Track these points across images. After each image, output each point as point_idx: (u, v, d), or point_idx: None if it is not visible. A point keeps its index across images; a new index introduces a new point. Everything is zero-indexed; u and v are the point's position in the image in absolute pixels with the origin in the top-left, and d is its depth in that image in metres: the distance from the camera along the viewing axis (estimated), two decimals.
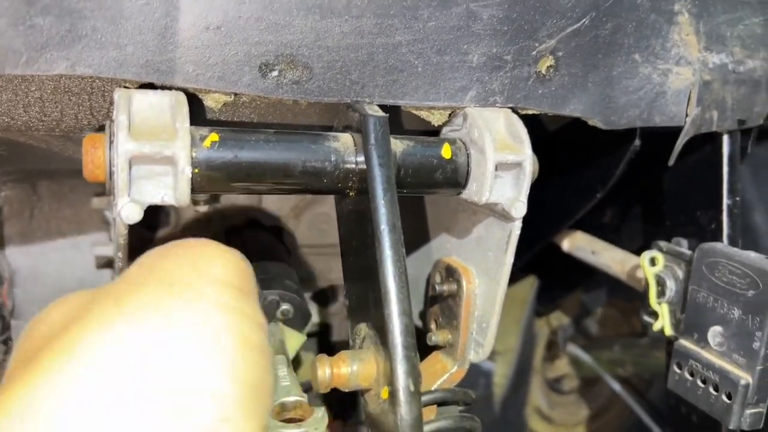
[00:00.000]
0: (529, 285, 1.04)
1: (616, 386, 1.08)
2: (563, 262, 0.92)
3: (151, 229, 0.78)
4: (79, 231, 0.82)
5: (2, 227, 0.80)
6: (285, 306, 0.63)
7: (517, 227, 0.56)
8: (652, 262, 0.71)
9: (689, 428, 0.73)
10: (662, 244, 0.72)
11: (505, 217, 0.56)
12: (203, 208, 0.66)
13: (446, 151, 0.54)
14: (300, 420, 0.49)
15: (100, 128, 0.53)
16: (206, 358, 0.30)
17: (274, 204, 0.82)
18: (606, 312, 1.15)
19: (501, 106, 0.57)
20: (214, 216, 0.80)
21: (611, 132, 0.64)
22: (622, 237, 0.88)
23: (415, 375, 0.45)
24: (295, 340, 0.63)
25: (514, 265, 0.57)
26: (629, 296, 1.14)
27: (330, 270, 0.87)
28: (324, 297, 0.96)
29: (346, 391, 0.49)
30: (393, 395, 0.45)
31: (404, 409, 0.44)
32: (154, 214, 0.79)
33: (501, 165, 0.54)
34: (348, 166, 0.51)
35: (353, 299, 0.53)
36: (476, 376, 1.05)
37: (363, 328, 0.51)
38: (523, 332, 1.03)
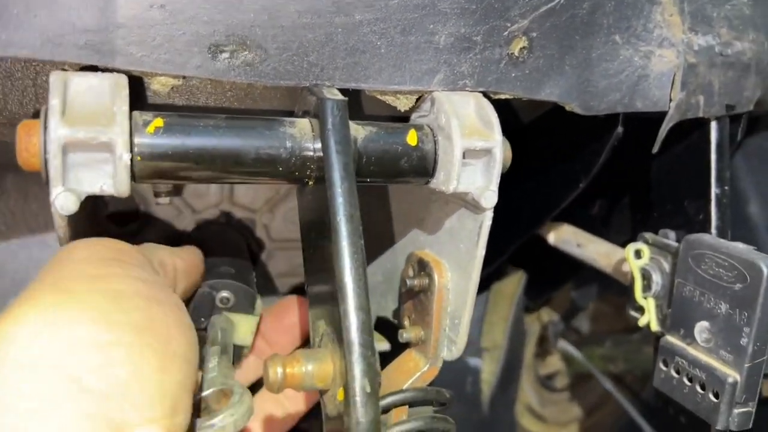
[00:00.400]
0: (517, 280, 1.01)
1: (608, 384, 1.04)
2: (551, 256, 0.89)
3: (120, 225, 0.76)
4: (47, 227, 0.79)
5: None
6: (223, 294, 0.60)
7: (488, 217, 0.53)
8: (638, 254, 0.68)
9: (677, 429, 0.70)
10: (648, 235, 0.69)
11: (475, 207, 0.53)
12: (165, 201, 0.63)
13: (412, 138, 0.51)
14: None
15: (34, 114, 0.50)
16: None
17: (247, 197, 0.79)
18: (597, 307, 1.12)
19: (471, 90, 0.54)
20: (183, 209, 0.77)
21: (593, 118, 0.60)
22: (611, 229, 0.85)
23: (372, 374, 0.42)
24: (246, 323, 0.61)
25: (502, 259, 0.54)
26: (620, 290, 1.11)
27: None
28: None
29: (300, 392, 0.46)
30: (348, 397, 0.42)
31: (360, 412, 0.42)
32: (125, 210, 0.76)
33: (469, 152, 0.51)
34: (306, 153, 0.48)
35: (313, 295, 0.50)
36: (463, 373, 1.02)
37: (321, 325, 0.48)
38: (510, 328, 1.00)
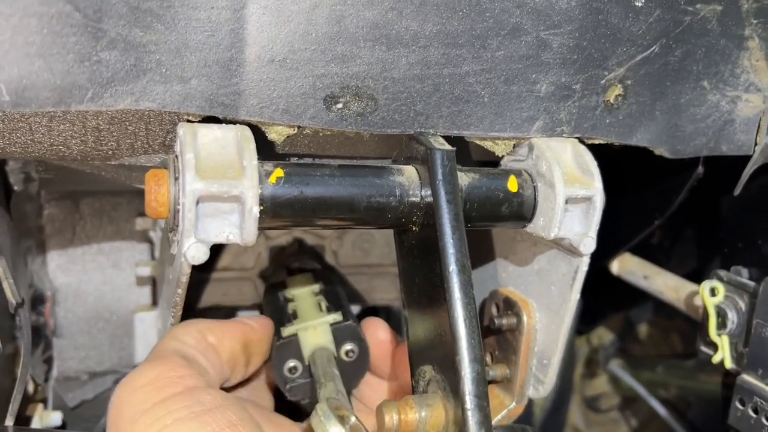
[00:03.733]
0: None
1: (658, 406, 1.05)
2: (609, 284, 0.90)
3: None
4: (121, 250, 0.81)
5: (44, 245, 0.79)
6: (347, 347, 0.60)
7: (585, 263, 0.54)
8: (713, 292, 0.69)
9: None
10: (722, 273, 0.70)
11: (571, 252, 0.54)
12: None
13: (512, 184, 0.52)
14: None
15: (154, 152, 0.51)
16: None
17: None
18: (647, 331, 1.13)
19: (568, 136, 0.55)
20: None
21: (675, 159, 0.61)
22: (672, 260, 0.86)
23: (488, 425, 0.44)
24: None
25: None
26: (670, 315, 1.11)
27: (372, 290, 0.85)
28: (370, 314, 0.95)
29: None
30: None
31: None
32: None
33: (570, 199, 0.52)
34: (413, 200, 0.49)
35: (417, 339, 0.51)
36: None
37: (428, 371, 0.49)
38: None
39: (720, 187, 0.72)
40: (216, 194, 0.42)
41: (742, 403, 0.65)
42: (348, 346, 0.59)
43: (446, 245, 0.46)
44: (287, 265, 0.77)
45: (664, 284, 0.78)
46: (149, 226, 0.77)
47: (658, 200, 0.71)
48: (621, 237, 0.76)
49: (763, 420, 0.63)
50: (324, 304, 0.64)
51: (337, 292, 0.68)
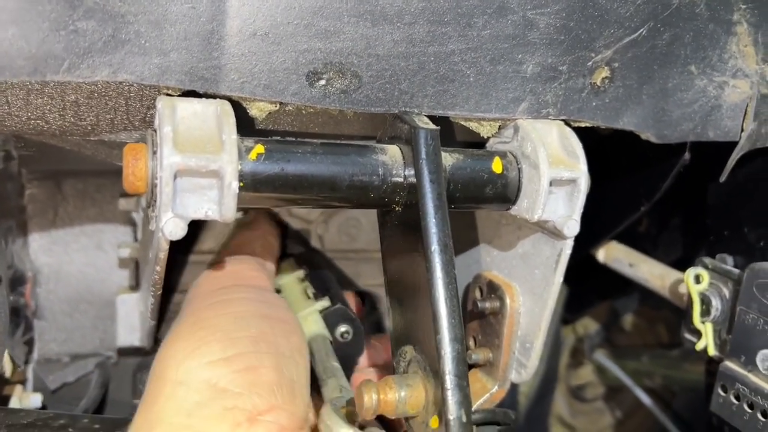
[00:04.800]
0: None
1: (643, 396, 1.05)
2: (595, 272, 0.90)
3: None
4: (104, 231, 0.80)
5: (26, 226, 0.78)
6: (342, 328, 0.61)
7: (568, 246, 0.54)
8: (697, 279, 0.69)
9: None
10: (708, 261, 0.69)
11: (555, 234, 0.54)
12: (237, 214, 0.64)
13: (497, 165, 0.52)
14: None
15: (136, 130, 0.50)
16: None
17: (303, 209, 0.80)
18: (632, 320, 1.13)
19: (553, 119, 0.55)
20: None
21: (661, 144, 0.61)
22: (658, 248, 0.86)
23: (467, 405, 0.43)
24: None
25: None
26: (656, 305, 1.12)
27: (359, 275, 0.85)
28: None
29: (392, 418, 0.47)
30: (444, 426, 0.43)
31: None
32: None
33: (555, 181, 0.51)
34: (396, 179, 0.49)
35: (397, 319, 0.51)
36: None
37: (409, 351, 0.48)
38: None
39: (706, 174, 0.72)
40: (194, 168, 0.42)
41: (725, 390, 0.65)
42: (342, 328, 0.61)
43: (429, 224, 0.46)
44: None
45: (650, 272, 0.78)
46: (132, 207, 0.76)
47: (645, 186, 0.70)
48: (607, 223, 0.75)
49: (745, 406, 0.63)
50: (311, 291, 0.64)
51: (322, 274, 0.68)
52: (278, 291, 0.67)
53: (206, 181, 0.43)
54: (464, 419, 0.43)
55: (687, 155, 0.66)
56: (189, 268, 0.77)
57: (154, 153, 0.43)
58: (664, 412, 1.01)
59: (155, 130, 0.44)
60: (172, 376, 0.44)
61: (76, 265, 0.80)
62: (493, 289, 0.60)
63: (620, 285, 0.96)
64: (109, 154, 0.59)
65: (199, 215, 0.44)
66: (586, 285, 1.01)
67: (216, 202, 0.44)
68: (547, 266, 0.55)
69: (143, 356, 0.84)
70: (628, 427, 1.19)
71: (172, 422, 0.42)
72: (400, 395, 0.45)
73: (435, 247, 0.45)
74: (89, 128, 0.51)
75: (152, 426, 0.43)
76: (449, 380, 0.43)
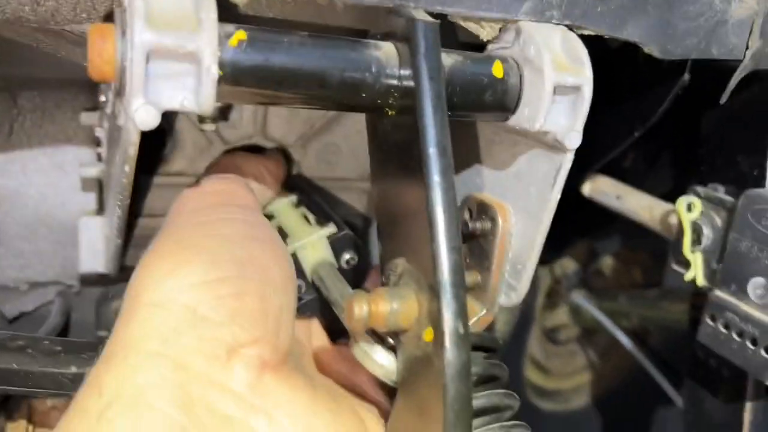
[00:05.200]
0: None
1: (622, 336, 1.05)
2: (575, 209, 0.87)
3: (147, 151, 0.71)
4: (65, 150, 0.75)
5: None
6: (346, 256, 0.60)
7: (568, 160, 0.51)
8: (689, 208, 0.67)
9: (717, 382, 0.70)
10: (700, 189, 0.68)
11: (555, 148, 0.51)
12: (210, 127, 0.59)
13: (497, 69, 0.48)
14: None
15: (104, 18, 0.45)
16: None
17: (280, 130, 0.76)
18: (610, 263, 1.12)
19: (557, 23, 0.51)
20: (214, 140, 0.73)
21: (658, 63, 0.58)
22: (644, 182, 0.84)
23: (464, 316, 0.40)
24: None
25: None
26: (635, 245, 1.11)
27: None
28: None
29: (383, 332, 0.44)
30: (439, 338, 0.40)
31: (452, 353, 0.40)
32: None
33: (559, 88, 0.48)
34: (390, 80, 0.45)
35: (387, 231, 0.47)
36: None
37: (401, 264, 0.45)
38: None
39: (698, 101, 0.69)
40: (169, 48, 0.37)
41: (713, 319, 0.64)
42: (347, 255, 0.59)
43: (426, 126, 0.42)
44: None
45: (638, 204, 0.76)
46: (95, 122, 0.70)
47: (640, 111, 0.68)
48: (597, 152, 0.73)
49: (734, 335, 0.62)
50: (311, 217, 0.61)
51: (317, 200, 0.65)
52: (270, 217, 0.63)
53: (182, 67, 0.39)
54: (461, 330, 0.40)
55: (687, 76, 0.63)
56: (156, 190, 0.73)
57: (124, 33, 0.38)
58: (641, 352, 1.01)
59: (124, 8, 0.39)
60: (149, 297, 0.41)
61: (34, 186, 0.75)
62: (483, 210, 0.57)
63: (601, 223, 0.94)
64: (71, 51, 0.53)
65: (173, 104, 0.39)
66: (566, 223, 0.99)
67: (193, 91, 0.39)
68: (545, 183, 0.52)
69: (107, 285, 0.80)
70: (603, 368, 1.19)
71: (147, 349, 0.39)
72: (392, 307, 0.42)
73: (433, 150, 0.42)
74: (49, 15, 0.46)
75: (126, 351, 0.39)
76: (446, 290, 0.40)
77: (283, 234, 0.61)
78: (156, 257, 0.43)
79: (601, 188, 0.81)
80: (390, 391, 0.52)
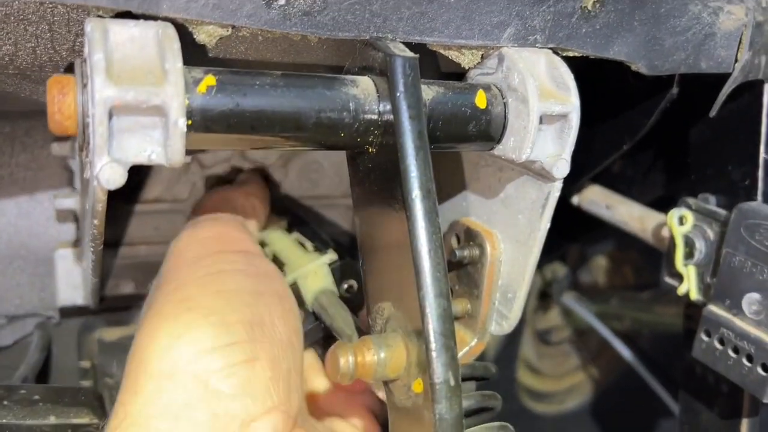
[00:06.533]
0: None
1: (613, 338, 1.04)
2: (566, 214, 0.86)
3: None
4: (37, 179, 0.72)
5: None
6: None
7: (556, 188, 0.49)
8: (681, 221, 0.66)
9: (713, 396, 0.69)
10: (691, 201, 0.66)
11: (542, 176, 0.49)
12: (186, 159, 0.57)
13: (481, 100, 0.46)
14: None
15: (66, 68, 0.43)
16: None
17: (259, 152, 0.73)
18: (600, 263, 1.11)
19: (541, 47, 0.49)
20: (192, 164, 0.71)
21: (646, 77, 0.56)
22: (633, 189, 0.82)
23: (455, 367, 0.39)
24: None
25: None
26: (625, 247, 1.10)
27: (322, 224, 0.79)
28: None
29: (371, 382, 0.42)
30: (430, 390, 0.38)
31: (444, 407, 0.38)
32: None
33: (545, 117, 0.46)
34: (369, 117, 0.43)
35: (372, 274, 0.46)
36: None
37: (387, 308, 0.44)
38: None
39: (688, 111, 0.67)
40: (132, 104, 0.35)
41: (708, 335, 0.63)
42: (348, 283, 0.58)
43: (408, 167, 0.40)
44: None
45: (628, 214, 0.75)
46: (67, 153, 0.68)
47: (628, 123, 0.66)
48: (586, 164, 0.71)
49: (730, 351, 0.61)
50: (308, 244, 0.59)
51: (310, 224, 0.63)
52: (263, 245, 0.61)
53: (148, 120, 0.37)
54: (452, 382, 0.38)
55: (675, 89, 0.62)
56: (134, 218, 0.71)
57: (84, 86, 0.36)
58: (632, 353, 1.00)
59: (84, 60, 0.37)
60: (156, 367, 0.39)
61: (7, 217, 0.72)
62: (471, 237, 0.55)
63: (591, 228, 0.92)
64: (34, 90, 0.51)
65: (140, 159, 0.37)
66: (556, 228, 0.97)
67: (161, 144, 0.37)
68: (533, 211, 0.51)
69: (87, 315, 0.77)
70: (594, 369, 1.19)
71: (158, 428, 0.37)
72: (380, 357, 0.41)
73: (417, 193, 0.40)
74: (6, 59, 0.44)
75: (134, 427, 0.37)
76: (434, 340, 0.39)
77: (278, 262, 0.59)
78: (161, 320, 0.41)
79: (589, 197, 0.79)
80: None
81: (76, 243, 0.72)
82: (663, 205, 0.77)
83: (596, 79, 0.62)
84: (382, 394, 0.45)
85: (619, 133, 0.67)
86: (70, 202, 0.69)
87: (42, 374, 0.73)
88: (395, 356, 0.41)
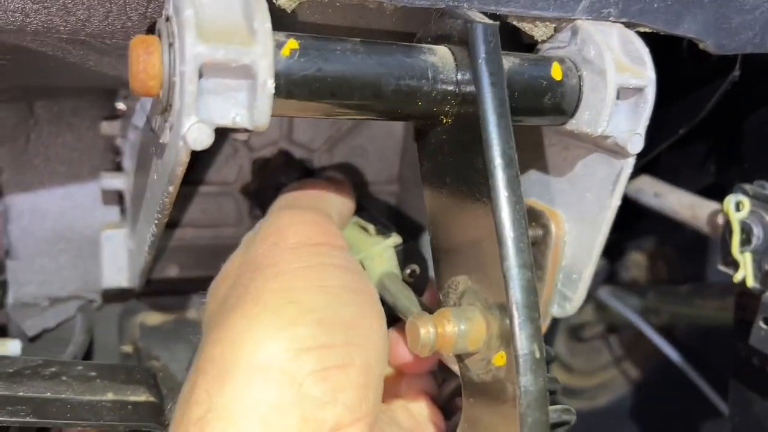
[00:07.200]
0: None
1: (649, 331, 1.02)
2: None
3: None
4: (83, 160, 0.72)
5: None
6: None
7: (629, 165, 0.48)
8: (738, 207, 0.65)
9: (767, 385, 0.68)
10: (748, 187, 0.65)
11: (615, 152, 0.48)
12: (243, 137, 0.56)
13: (556, 71, 0.46)
14: None
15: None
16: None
17: (306, 135, 0.73)
18: (636, 258, 1.10)
19: (614, 21, 0.48)
20: (240, 147, 0.70)
21: (708, 58, 0.55)
22: (680, 177, 0.81)
23: (539, 339, 0.38)
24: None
25: None
26: (661, 241, 1.08)
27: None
28: None
29: (449, 354, 0.42)
30: (513, 363, 0.37)
31: (528, 379, 0.37)
32: None
33: (621, 91, 0.45)
34: (446, 86, 0.42)
35: (447, 248, 0.45)
36: None
37: (462, 282, 0.43)
38: None
39: (743, 96, 0.66)
40: (222, 62, 0.34)
41: (767, 322, 0.62)
42: (411, 267, 0.56)
43: (491, 135, 0.39)
44: (272, 180, 0.69)
45: (678, 202, 0.74)
46: (117, 132, 0.67)
47: (686, 108, 0.65)
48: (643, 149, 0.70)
49: None
50: (371, 227, 0.58)
51: (368, 209, 0.62)
52: None
53: (234, 82, 0.36)
54: (537, 354, 0.38)
55: (737, 71, 0.61)
56: (182, 200, 0.70)
57: (171, 45, 0.35)
58: (671, 347, 0.99)
59: (170, 18, 0.36)
60: (249, 358, 0.37)
61: (52, 198, 0.72)
62: (534, 217, 0.54)
63: (628, 218, 0.91)
64: (98, 61, 0.50)
65: (225, 122, 0.36)
66: None
67: (246, 107, 0.36)
68: (603, 189, 0.50)
69: (129, 299, 0.77)
70: (628, 365, 1.17)
71: (246, 429, 0.35)
72: (460, 328, 0.40)
73: (499, 161, 0.39)
74: (79, 25, 0.43)
75: (224, 425, 0.36)
76: (518, 312, 0.38)
77: None
78: (261, 309, 0.39)
79: (637, 185, 0.78)
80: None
81: (121, 224, 0.71)
82: (711, 193, 0.76)
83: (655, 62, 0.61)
84: (455, 368, 0.43)
85: (677, 117, 0.66)
86: (117, 182, 0.69)
87: (87, 356, 0.72)
88: (475, 329, 0.40)
